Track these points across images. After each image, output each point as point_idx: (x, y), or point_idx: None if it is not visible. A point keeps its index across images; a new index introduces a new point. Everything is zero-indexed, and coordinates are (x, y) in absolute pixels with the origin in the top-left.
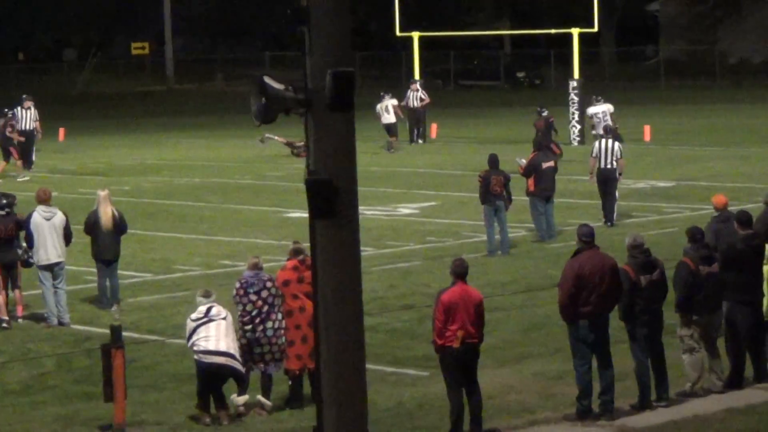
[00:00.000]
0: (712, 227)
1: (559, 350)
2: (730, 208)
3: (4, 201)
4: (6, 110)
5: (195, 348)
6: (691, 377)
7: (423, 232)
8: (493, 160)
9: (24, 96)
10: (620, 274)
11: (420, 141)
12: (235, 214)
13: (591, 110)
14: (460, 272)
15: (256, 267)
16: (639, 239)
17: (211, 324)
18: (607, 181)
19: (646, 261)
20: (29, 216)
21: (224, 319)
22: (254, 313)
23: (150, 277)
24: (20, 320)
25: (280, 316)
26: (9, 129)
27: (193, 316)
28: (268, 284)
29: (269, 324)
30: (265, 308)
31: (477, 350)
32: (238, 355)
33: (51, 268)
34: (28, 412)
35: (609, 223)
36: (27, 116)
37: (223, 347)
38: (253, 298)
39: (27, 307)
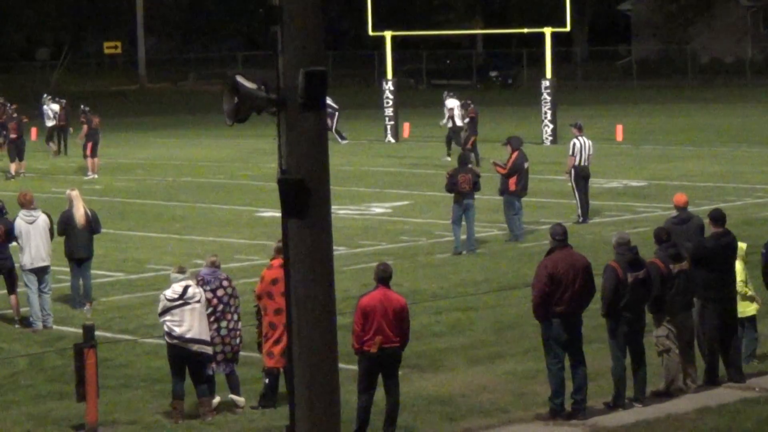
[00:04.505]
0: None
1: (531, 349)
2: (702, 208)
3: None
4: None
5: (167, 329)
6: (666, 378)
7: (395, 231)
8: (463, 159)
9: None
10: (606, 271)
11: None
12: (208, 214)
13: (450, 103)
14: (382, 277)
15: (213, 265)
16: (625, 237)
17: (186, 308)
18: (586, 177)
19: (633, 259)
20: (13, 221)
21: (198, 302)
22: (209, 311)
23: (122, 277)
24: None
25: (236, 317)
26: None
27: (168, 294)
28: (225, 283)
29: (223, 323)
30: (221, 307)
31: (397, 354)
32: (209, 338)
33: (36, 272)
34: (0, 412)
35: (586, 220)
36: None
37: (196, 334)
38: (209, 296)
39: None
